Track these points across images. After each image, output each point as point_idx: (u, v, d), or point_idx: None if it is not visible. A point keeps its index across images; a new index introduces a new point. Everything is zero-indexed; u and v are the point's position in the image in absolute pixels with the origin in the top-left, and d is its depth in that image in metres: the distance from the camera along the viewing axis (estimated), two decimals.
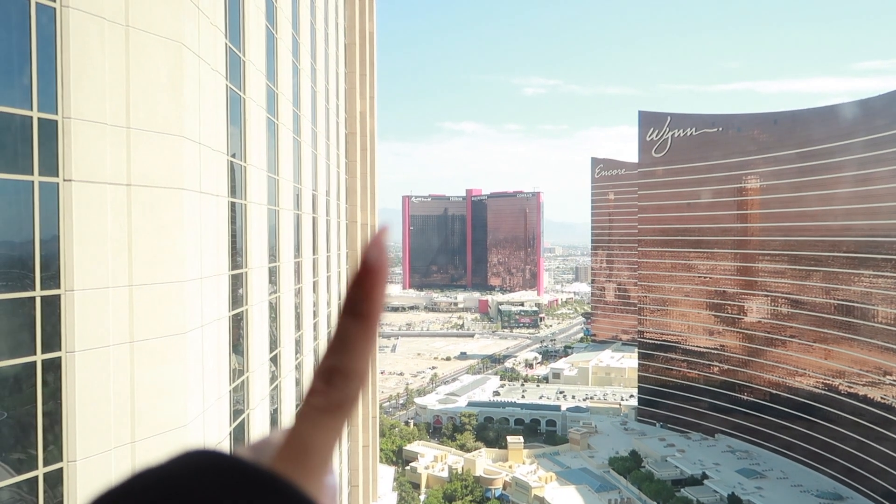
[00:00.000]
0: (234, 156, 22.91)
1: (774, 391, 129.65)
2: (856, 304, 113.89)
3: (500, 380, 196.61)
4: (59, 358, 14.79)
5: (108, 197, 15.46)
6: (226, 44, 21.48)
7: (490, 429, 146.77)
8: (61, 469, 14.80)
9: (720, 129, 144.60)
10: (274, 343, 29.30)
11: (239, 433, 23.75)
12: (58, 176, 14.64)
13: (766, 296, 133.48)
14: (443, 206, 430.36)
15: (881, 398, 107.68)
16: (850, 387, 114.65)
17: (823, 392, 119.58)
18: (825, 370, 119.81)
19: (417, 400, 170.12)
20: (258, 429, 26.07)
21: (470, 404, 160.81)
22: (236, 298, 23.43)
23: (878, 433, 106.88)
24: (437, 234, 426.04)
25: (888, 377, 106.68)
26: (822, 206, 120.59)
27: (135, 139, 15.86)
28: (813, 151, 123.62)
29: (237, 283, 23.67)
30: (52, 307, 14.70)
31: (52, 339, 14.70)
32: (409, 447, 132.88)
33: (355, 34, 52.46)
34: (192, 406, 17.85)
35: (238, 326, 23.91)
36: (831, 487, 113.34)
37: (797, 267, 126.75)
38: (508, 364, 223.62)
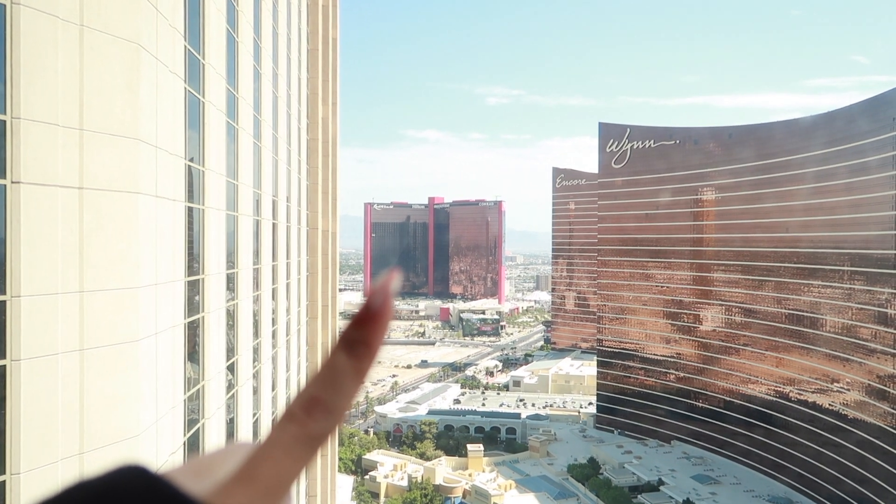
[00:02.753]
0: (192, 160, 22.50)
1: (728, 398, 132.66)
2: (806, 314, 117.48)
3: (461, 388, 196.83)
4: (4, 366, 14.26)
5: (59, 200, 15.02)
6: (185, 46, 21.12)
7: (450, 437, 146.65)
8: (4, 482, 14.25)
9: (678, 141, 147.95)
10: (231, 351, 28.79)
11: (193, 443, 23.24)
12: (5, 178, 14.16)
13: (721, 305, 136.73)
14: (405, 213, 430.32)
15: (829, 405, 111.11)
16: (800, 394, 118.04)
17: (776, 399, 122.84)
18: (777, 378, 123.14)
19: (377, 408, 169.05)
20: (213, 439, 25.54)
21: (430, 412, 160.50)
22: (192, 305, 22.95)
23: (827, 439, 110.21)
24: (398, 242, 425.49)
25: (836, 385, 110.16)
26: (775, 219, 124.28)
27: (88, 141, 15.46)
28: (766, 165, 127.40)
29: (193, 289, 23.20)
30: None
31: None
32: (369, 456, 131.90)
33: (318, 40, 52.17)
34: (145, 416, 17.39)
35: (194, 334, 23.42)
36: (783, 493, 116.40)
37: (750, 277, 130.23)
38: (469, 372, 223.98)
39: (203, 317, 24.16)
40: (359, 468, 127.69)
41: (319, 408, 0.76)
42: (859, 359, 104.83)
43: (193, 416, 23.53)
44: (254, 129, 32.06)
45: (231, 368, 28.86)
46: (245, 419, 31.30)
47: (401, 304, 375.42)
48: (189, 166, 22.10)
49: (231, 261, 28.54)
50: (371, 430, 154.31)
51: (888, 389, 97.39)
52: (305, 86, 49.84)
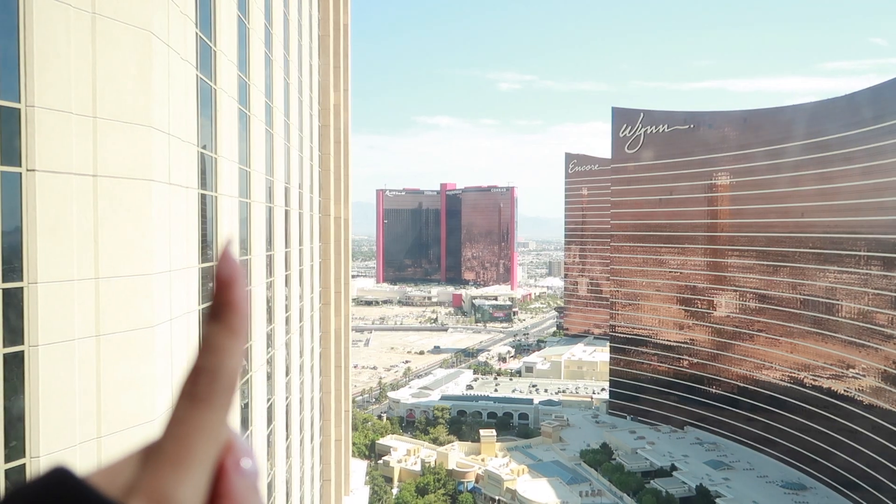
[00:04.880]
0: (204, 147, 22.58)
1: (742, 384, 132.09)
2: (821, 300, 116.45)
3: (474, 374, 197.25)
4: (22, 352, 14.47)
5: (73, 188, 15.14)
6: (196, 33, 21.13)
7: (463, 422, 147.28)
8: (24, 465, 14.51)
9: (691, 126, 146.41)
10: (245, 337, 28.97)
11: None
12: (20, 166, 14.29)
13: (735, 291, 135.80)
14: (417, 199, 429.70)
15: (844, 391, 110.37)
16: (814, 380, 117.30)
17: (790, 385, 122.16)
18: (791, 364, 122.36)
19: (391, 394, 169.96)
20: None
21: (443, 398, 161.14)
22: (207, 292, 23.13)
23: (840, 425, 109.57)
24: (411, 228, 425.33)
25: (851, 370, 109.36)
26: (790, 203, 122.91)
27: (102, 129, 15.54)
28: (781, 149, 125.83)
29: (207, 276, 23.37)
30: (15, 300, 14.36)
31: (15, 333, 14.37)
32: (382, 441, 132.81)
33: (329, 26, 52.01)
34: (161, 401, 17.61)
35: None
36: (797, 478, 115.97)
37: (765, 262, 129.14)
38: (482, 358, 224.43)
39: None
40: (372, 453, 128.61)
41: (203, 374, 0.84)
42: (875, 344, 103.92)
43: None
44: (266, 116, 32.09)
45: (245, 354, 29.06)
46: (259, 404, 31.60)
47: (413, 291, 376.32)
48: (202, 153, 22.18)
49: (244, 247, 28.69)
50: (384, 416, 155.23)
51: None
52: (317, 73, 49.77)
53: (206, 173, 23.03)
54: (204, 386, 0.81)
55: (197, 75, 21.25)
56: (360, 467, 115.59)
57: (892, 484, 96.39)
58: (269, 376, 34.41)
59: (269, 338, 34.09)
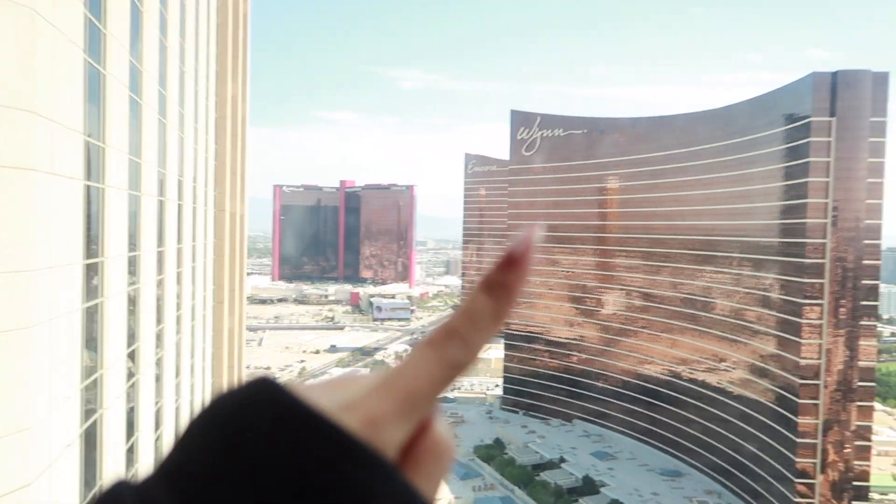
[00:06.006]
0: (90, 135, 21.21)
1: (626, 378, 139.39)
2: (698, 298, 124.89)
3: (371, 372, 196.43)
4: None
5: None
6: (85, 14, 19.82)
7: None
8: None
9: (585, 130, 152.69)
10: (132, 337, 27.54)
11: (91, 435, 22.15)
12: None
13: (622, 289, 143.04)
14: (316, 196, 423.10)
15: (717, 383, 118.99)
16: (691, 373, 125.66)
17: (669, 378, 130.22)
18: (671, 358, 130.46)
19: None
20: (112, 430, 24.42)
21: None
22: (91, 290, 21.76)
23: (713, 415, 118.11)
24: (309, 225, 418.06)
25: (723, 364, 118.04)
26: (672, 207, 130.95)
27: None
28: (666, 156, 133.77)
29: (92, 273, 21.99)
30: None
31: None
32: None
33: (228, 14, 50.12)
34: (37, 407, 16.43)
35: (92, 320, 22.22)
36: (673, 466, 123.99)
37: (649, 263, 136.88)
38: (379, 356, 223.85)
39: (102, 302, 22.96)
40: None
41: (457, 338, 0.81)
42: (745, 339, 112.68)
43: (90, 406, 22.39)
44: (158, 105, 30.55)
45: (132, 356, 27.61)
46: (146, 408, 30.11)
47: (310, 289, 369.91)
48: (88, 142, 20.83)
49: (133, 243, 27.22)
50: None
51: (769, 368, 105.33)
52: (214, 62, 47.82)
53: (92, 164, 21.64)
54: (451, 349, 0.80)
55: (85, 59, 19.94)
56: None
57: (757, 468, 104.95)
58: (158, 378, 32.83)
59: (159, 338, 32.52)
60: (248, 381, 0.77)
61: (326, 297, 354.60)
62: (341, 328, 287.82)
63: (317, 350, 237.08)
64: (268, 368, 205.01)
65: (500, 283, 0.81)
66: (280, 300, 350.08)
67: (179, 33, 35.02)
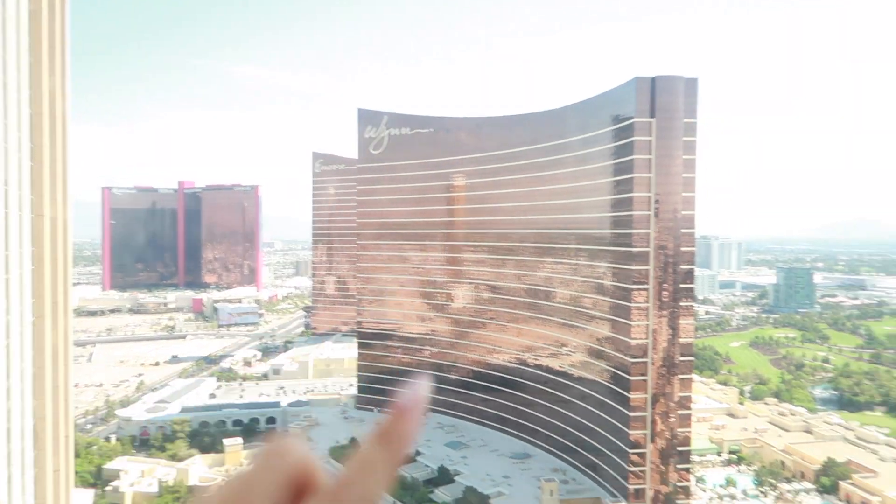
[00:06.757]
0: None
1: (476, 369, 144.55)
2: (540, 288, 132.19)
3: (217, 381, 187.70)
4: None
5: None
6: None
7: (206, 434, 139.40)
8: None
9: (432, 129, 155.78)
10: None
11: None
12: None
13: (470, 283, 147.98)
14: (151, 198, 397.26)
15: (559, 367, 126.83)
16: (536, 359, 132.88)
17: (516, 366, 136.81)
18: (517, 347, 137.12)
19: (120, 412, 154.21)
20: None
21: (183, 410, 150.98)
22: None
23: (557, 397, 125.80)
24: (143, 230, 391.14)
25: (564, 349, 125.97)
26: (514, 203, 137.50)
27: None
28: (508, 154, 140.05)
29: None
30: None
31: None
32: (111, 465, 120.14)
33: (42, 0, 45.44)
34: None
35: None
36: (522, 448, 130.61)
37: (495, 256, 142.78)
38: (226, 364, 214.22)
39: None
40: (100, 480, 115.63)
41: (352, 489, 0.84)
42: (583, 325, 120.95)
43: None
44: None
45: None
46: None
47: (147, 297, 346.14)
48: None
49: None
50: (113, 437, 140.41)
51: (604, 349, 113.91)
52: (26, 53, 43.15)
53: None
54: (341, 490, 0.81)
55: None
56: (86, 498, 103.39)
57: (597, 443, 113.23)
58: None
59: None
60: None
61: (166, 305, 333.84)
62: (183, 337, 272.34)
63: (156, 362, 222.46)
64: (100, 385, 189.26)
65: (392, 433, 0.88)
66: (113, 311, 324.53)
67: None
